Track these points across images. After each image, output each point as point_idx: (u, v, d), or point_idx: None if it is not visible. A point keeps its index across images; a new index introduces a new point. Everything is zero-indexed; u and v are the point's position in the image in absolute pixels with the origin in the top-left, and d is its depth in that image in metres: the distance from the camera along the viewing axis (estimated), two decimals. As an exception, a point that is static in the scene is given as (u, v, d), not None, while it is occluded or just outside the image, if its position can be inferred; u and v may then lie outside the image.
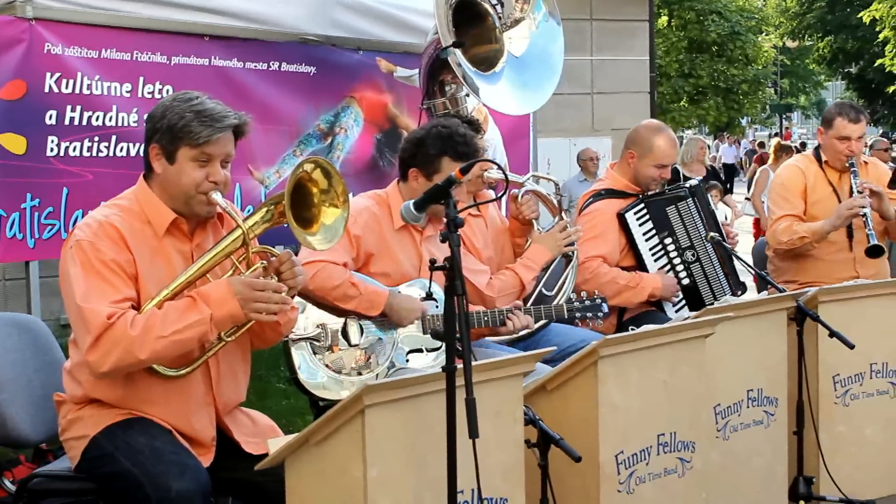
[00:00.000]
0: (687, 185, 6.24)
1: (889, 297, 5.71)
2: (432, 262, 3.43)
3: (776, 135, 23.72)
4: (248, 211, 5.76)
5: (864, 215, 6.23)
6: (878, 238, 6.34)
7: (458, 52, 6.02)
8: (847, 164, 6.45)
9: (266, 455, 3.47)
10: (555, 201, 5.55)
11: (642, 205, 5.97)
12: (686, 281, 5.96)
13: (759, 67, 31.89)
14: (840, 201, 6.43)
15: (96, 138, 5.56)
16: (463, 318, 3.26)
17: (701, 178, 11.27)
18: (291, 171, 3.71)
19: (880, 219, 6.40)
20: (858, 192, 6.30)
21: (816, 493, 5.33)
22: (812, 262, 6.46)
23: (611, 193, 6.03)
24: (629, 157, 6.05)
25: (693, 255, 5.97)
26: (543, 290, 5.41)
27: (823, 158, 6.63)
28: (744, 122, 37.95)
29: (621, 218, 5.91)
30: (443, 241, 3.35)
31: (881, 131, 36.93)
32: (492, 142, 6.79)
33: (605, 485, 4.03)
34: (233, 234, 3.78)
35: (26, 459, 5.20)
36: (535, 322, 5.15)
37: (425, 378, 3.41)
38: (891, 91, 20.97)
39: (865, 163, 6.76)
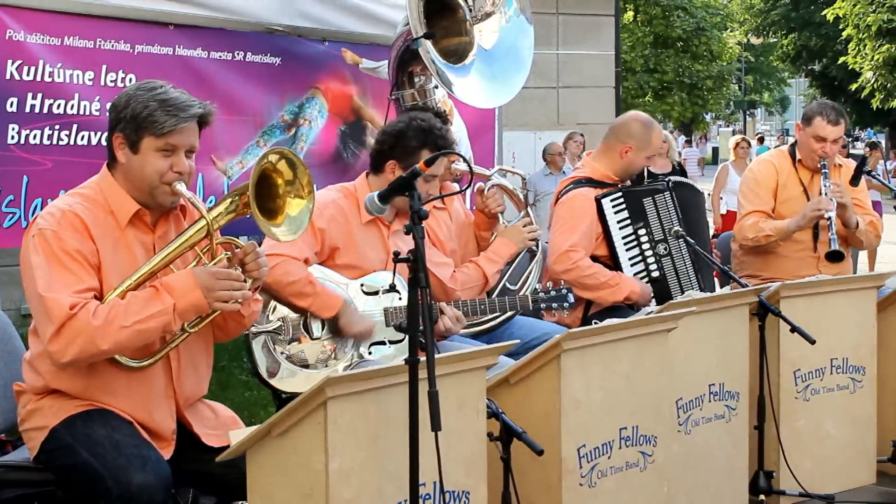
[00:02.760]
0: (667, 180, 6.26)
1: (850, 293, 5.75)
2: (396, 254, 3.43)
3: (739, 131, 23.78)
4: (211, 202, 5.75)
5: (830, 219, 6.27)
6: (840, 243, 6.38)
7: (428, 43, 6.02)
8: (819, 165, 6.46)
9: (228, 447, 3.47)
10: (521, 195, 5.56)
11: (620, 193, 5.98)
12: (656, 273, 5.97)
13: (724, 64, 32.06)
14: (809, 201, 6.47)
15: (57, 126, 5.52)
16: (427, 311, 3.26)
17: (666, 172, 11.41)
18: (256, 162, 3.70)
19: (843, 226, 6.44)
20: (826, 195, 6.34)
21: (776, 488, 5.36)
22: (776, 259, 6.49)
23: (590, 183, 6.04)
24: (624, 150, 6.05)
25: (665, 248, 5.99)
26: (507, 285, 5.43)
27: (798, 156, 6.65)
28: (708, 117, 38.11)
29: (598, 203, 5.92)
30: (407, 234, 3.35)
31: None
32: (457, 135, 6.80)
33: (567, 478, 4.05)
34: (196, 225, 3.75)
35: (-16, 450, 5.16)
36: (501, 314, 5.16)
37: (388, 370, 3.41)
38: (853, 88, 21.06)
39: (839, 165, 6.77)
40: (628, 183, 6.07)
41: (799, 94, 44.03)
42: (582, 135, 13.99)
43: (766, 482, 5.33)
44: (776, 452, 5.35)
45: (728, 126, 40.06)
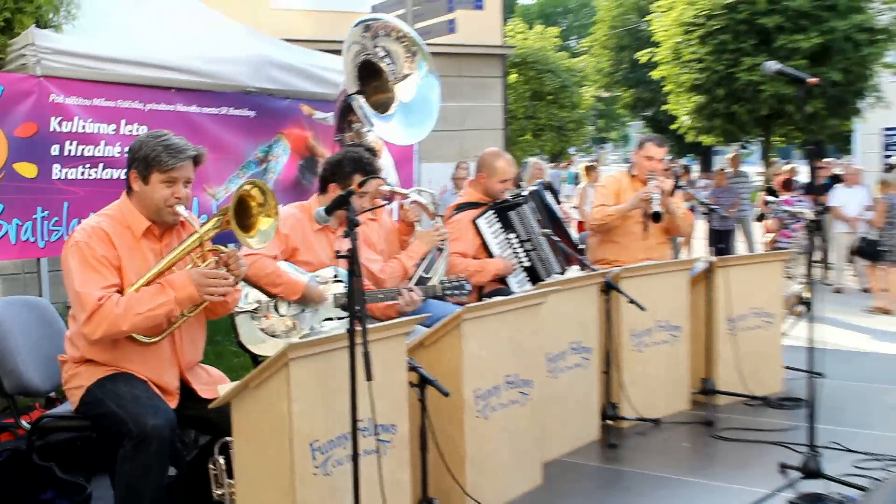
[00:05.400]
0: (527, 191, 6.27)
1: (670, 273, 5.83)
2: (338, 252, 3.42)
3: (594, 160, 24.11)
4: (204, 219, 5.68)
5: (653, 198, 6.29)
6: (664, 232, 6.48)
7: (360, 98, 6.01)
8: (648, 177, 6.51)
9: (217, 398, 3.46)
10: (431, 209, 5.54)
11: (491, 211, 5.97)
12: (527, 264, 5.98)
13: (582, 111, 32.23)
14: None
15: (88, 165, 5.43)
16: (360, 294, 3.26)
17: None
18: (235, 189, 3.70)
19: (668, 218, 6.48)
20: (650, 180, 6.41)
21: (620, 415, 5.42)
22: (617, 247, 6.50)
23: (468, 206, 6.05)
24: (481, 177, 6.08)
25: (531, 245, 6.00)
26: (423, 274, 5.41)
27: (633, 173, 6.71)
28: (572, 150, 38.39)
29: (475, 224, 5.93)
30: (345, 237, 3.35)
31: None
32: (386, 165, 6.79)
33: (467, 413, 4.06)
34: (192, 237, 3.75)
35: (40, 406, 5.07)
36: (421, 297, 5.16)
37: (334, 338, 3.40)
38: (673, 128, 21.41)
39: (663, 178, 6.84)
40: (508, 196, 6.09)
41: (637, 133, 44.58)
42: (465, 162, 13.88)
43: (613, 411, 5.40)
44: (620, 389, 5.41)
45: (586, 156, 40.36)
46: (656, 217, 6.26)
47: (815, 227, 10.99)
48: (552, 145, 31.77)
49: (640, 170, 6.61)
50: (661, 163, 6.63)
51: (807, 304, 4.51)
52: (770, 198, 13.71)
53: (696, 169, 25.92)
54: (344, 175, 4.82)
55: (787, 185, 13.14)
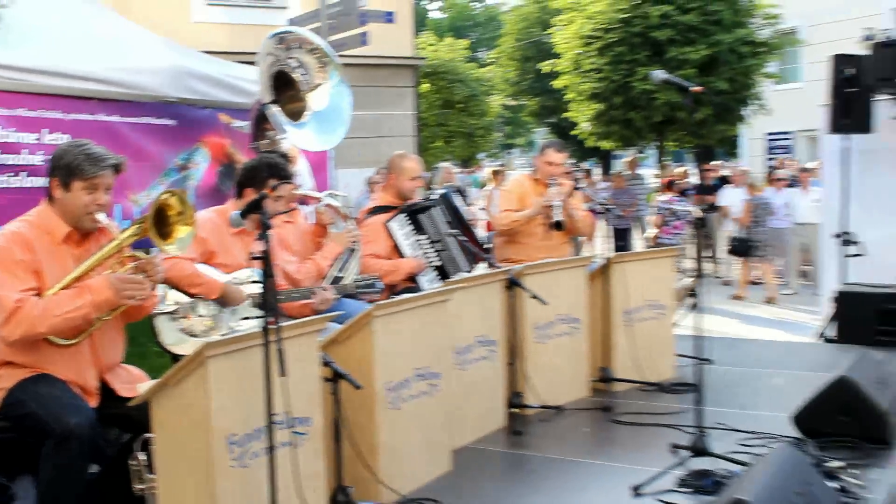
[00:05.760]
0: (437, 194, 6.31)
1: (569, 269, 5.88)
2: (252, 254, 3.41)
3: (502, 165, 24.17)
4: (127, 225, 5.59)
5: (554, 206, 6.38)
6: (564, 235, 6.56)
7: (274, 107, 5.97)
8: (549, 181, 6.60)
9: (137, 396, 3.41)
10: (344, 212, 5.54)
11: (402, 214, 5.99)
12: (437, 263, 6.02)
13: (490, 118, 32.42)
14: None
15: (10, 174, 5.32)
16: (273, 293, 3.25)
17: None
18: (154, 198, 3.66)
19: (570, 220, 6.58)
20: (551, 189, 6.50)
21: (525, 403, 5.45)
22: (521, 247, 6.57)
23: (381, 209, 6.05)
24: (391, 178, 6.10)
25: (441, 246, 6.03)
26: (337, 274, 5.41)
27: (536, 177, 6.78)
28: (481, 156, 38.61)
29: (387, 227, 5.94)
30: (258, 239, 3.33)
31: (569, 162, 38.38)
32: (302, 171, 6.78)
33: (379, 405, 4.06)
34: (112, 243, 3.71)
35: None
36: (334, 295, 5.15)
37: (249, 336, 3.37)
38: (574, 133, 21.69)
39: (563, 180, 6.91)
40: (419, 196, 6.12)
41: (541, 139, 45.06)
42: (385, 168, 13.87)
43: (518, 399, 5.42)
44: (524, 379, 5.45)
45: (495, 161, 40.57)
46: (558, 226, 6.36)
47: (701, 224, 11.48)
48: (462, 151, 31.94)
49: (542, 174, 6.69)
50: (562, 167, 6.71)
51: (695, 296, 4.62)
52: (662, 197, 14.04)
53: (597, 172, 26.24)
54: (259, 180, 4.78)
55: (669, 186, 13.56)
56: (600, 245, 15.77)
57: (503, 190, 7.22)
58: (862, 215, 8.45)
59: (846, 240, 8.37)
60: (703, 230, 12.92)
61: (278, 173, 4.81)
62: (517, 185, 6.89)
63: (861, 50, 8.30)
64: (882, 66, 8.01)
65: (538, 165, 6.76)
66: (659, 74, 4.66)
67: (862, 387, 4.81)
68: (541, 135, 45.09)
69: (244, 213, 3.72)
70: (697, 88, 4.58)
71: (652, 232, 12.29)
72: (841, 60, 8.53)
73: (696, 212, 11.90)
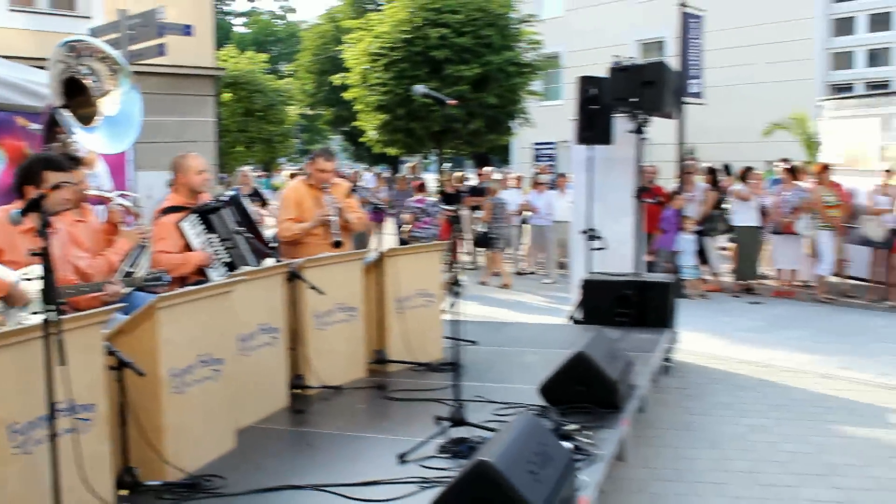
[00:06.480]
0: (227, 196, 6.21)
1: (346, 263, 5.95)
2: (31, 250, 3.27)
3: (299, 169, 23.85)
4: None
5: (332, 221, 6.49)
6: (343, 233, 6.62)
7: (65, 111, 5.71)
8: (322, 186, 6.66)
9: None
10: (135, 210, 5.37)
11: (194, 214, 5.85)
12: (227, 260, 5.91)
13: (288, 126, 32.09)
14: (318, 209, 6.65)
15: None
16: (53, 287, 3.15)
17: (249, 193, 11.38)
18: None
19: (344, 222, 6.68)
20: (328, 205, 6.57)
21: (306, 384, 5.45)
22: (305, 248, 6.57)
23: (173, 209, 5.89)
24: (179, 179, 5.95)
25: (231, 244, 5.94)
26: (128, 269, 5.24)
27: (310, 182, 6.80)
28: (282, 160, 38.17)
29: (179, 227, 5.80)
30: (38, 236, 3.21)
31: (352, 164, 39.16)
32: (100, 172, 6.53)
33: (163, 390, 3.97)
34: None
35: None
36: (124, 288, 4.99)
37: (30, 328, 3.25)
38: (363, 141, 21.91)
39: (338, 184, 7.00)
40: (210, 197, 6.02)
41: (338, 146, 45.02)
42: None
43: (299, 381, 5.44)
44: (306, 363, 5.47)
45: (295, 165, 40.17)
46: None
47: (455, 221, 12.78)
48: (262, 155, 31.50)
49: (315, 180, 6.75)
50: (331, 173, 6.79)
51: (459, 285, 4.80)
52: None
53: (387, 175, 26.59)
54: (35, 176, 4.54)
55: (421, 188, 14.09)
56: (391, 241, 15.98)
57: (282, 197, 7.17)
58: (604, 214, 9.02)
59: (591, 235, 8.90)
60: (456, 227, 14.11)
61: (53, 166, 4.57)
62: (293, 191, 6.90)
63: (604, 73, 8.85)
64: (618, 87, 8.57)
65: (311, 172, 6.81)
66: (419, 89, 4.80)
67: (595, 360, 5.16)
68: (336, 142, 45.07)
69: (24, 212, 3.54)
70: (453, 102, 4.76)
71: (407, 227, 12.91)
72: (585, 81, 9.07)
73: (447, 210, 12.75)
